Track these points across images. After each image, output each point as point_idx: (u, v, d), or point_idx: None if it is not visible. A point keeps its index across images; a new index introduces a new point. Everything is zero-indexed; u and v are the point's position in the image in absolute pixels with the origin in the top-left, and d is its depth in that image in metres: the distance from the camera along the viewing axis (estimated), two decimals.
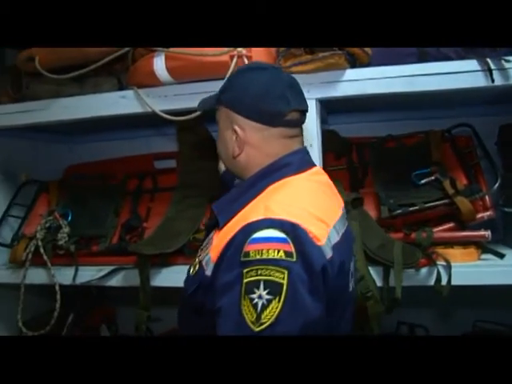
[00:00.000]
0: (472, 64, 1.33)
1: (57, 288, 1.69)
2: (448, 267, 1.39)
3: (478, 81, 1.33)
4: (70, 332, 2.03)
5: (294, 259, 0.86)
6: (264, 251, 0.86)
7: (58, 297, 1.68)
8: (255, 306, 0.83)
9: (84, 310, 2.18)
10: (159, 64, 1.49)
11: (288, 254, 0.86)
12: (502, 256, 1.49)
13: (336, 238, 0.99)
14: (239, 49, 1.39)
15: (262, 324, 0.82)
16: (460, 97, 1.61)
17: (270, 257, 0.86)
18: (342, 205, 1.16)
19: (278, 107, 1.04)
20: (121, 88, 1.66)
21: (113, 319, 2.37)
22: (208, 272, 0.99)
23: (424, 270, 1.43)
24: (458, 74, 1.34)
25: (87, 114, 1.64)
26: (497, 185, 1.49)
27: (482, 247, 1.53)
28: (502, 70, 1.31)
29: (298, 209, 0.94)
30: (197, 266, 1.06)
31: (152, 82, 1.53)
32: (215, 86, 1.15)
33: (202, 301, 0.99)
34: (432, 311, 2.07)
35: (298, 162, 1.07)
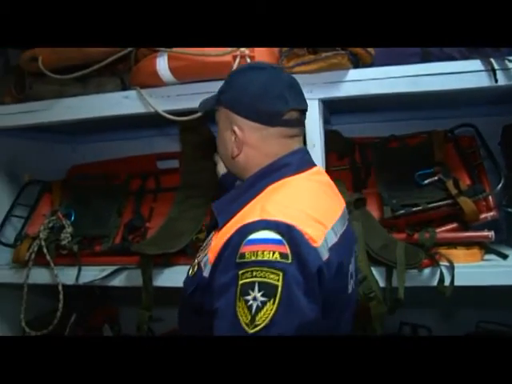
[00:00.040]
0: (475, 64, 1.33)
1: (60, 288, 1.70)
2: (451, 268, 1.38)
3: (482, 81, 1.32)
4: (72, 332, 2.03)
5: (290, 261, 0.86)
6: (259, 253, 0.86)
7: (61, 297, 1.69)
8: (250, 307, 0.83)
9: (87, 310, 2.18)
10: (162, 64, 1.49)
11: (283, 255, 0.86)
12: (505, 256, 1.49)
13: (334, 240, 0.98)
14: (242, 49, 1.39)
15: (256, 326, 0.82)
16: (463, 97, 1.61)
17: (265, 258, 0.85)
18: (343, 205, 1.16)
19: (276, 107, 1.04)
20: (124, 88, 1.66)
21: (115, 319, 2.38)
22: (206, 273, 0.99)
23: (427, 271, 1.42)
24: (462, 74, 1.33)
25: (90, 114, 1.64)
26: (500, 185, 1.48)
27: (485, 248, 1.53)
28: (506, 70, 1.31)
29: (294, 210, 0.94)
30: (195, 267, 1.06)
31: (155, 82, 1.54)
32: (218, 87, 1.15)
33: (201, 302, 0.98)
34: (435, 312, 2.06)
35: (297, 162, 1.07)
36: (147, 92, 1.56)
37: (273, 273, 0.84)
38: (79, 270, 1.71)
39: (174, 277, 1.59)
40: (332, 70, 1.40)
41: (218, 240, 1.00)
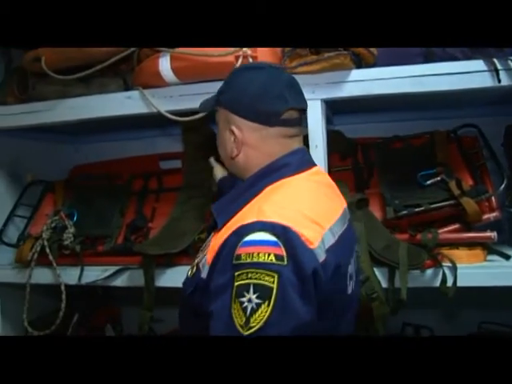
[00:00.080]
0: (478, 64, 1.32)
1: (62, 288, 1.70)
2: (454, 268, 1.38)
3: (485, 81, 1.32)
4: (75, 332, 2.04)
5: (285, 263, 0.85)
6: (255, 254, 0.86)
7: (64, 297, 1.69)
8: (245, 309, 0.83)
9: (89, 310, 2.18)
10: (164, 65, 1.49)
11: (279, 257, 0.85)
12: (508, 257, 1.48)
13: (331, 241, 0.97)
14: (244, 49, 1.39)
15: (250, 328, 0.81)
16: (466, 97, 1.61)
17: (261, 260, 0.85)
18: (344, 205, 1.15)
19: (275, 107, 1.04)
20: (126, 88, 1.67)
21: (118, 319, 2.38)
22: (203, 274, 0.99)
23: (429, 272, 1.42)
24: (465, 74, 1.33)
25: (93, 115, 1.65)
26: (503, 186, 1.48)
27: (488, 248, 1.53)
28: (509, 70, 1.30)
29: (291, 211, 0.93)
30: (194, 268, 1.06)
31: (157, 82, 1.54)
32: None
33: (199, 303, 0.98)
34: (437, 312, 2.06)
35: (296, 162, 1.07)
36: (150, 92, 1.56)
37: (268, 275, 0.84)
38: (82, 270, 1.71)
39: (176, 277, 1.58)
40: (334, 71, 1.40)
41: (216, 241, 0.99)
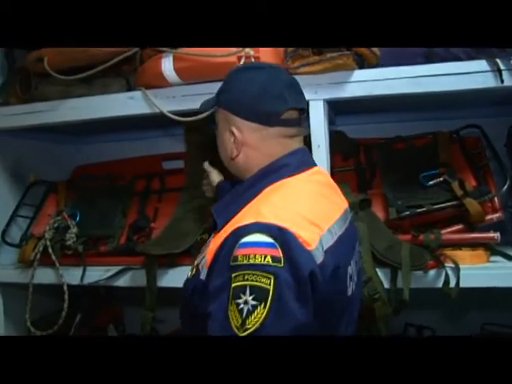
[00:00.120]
0: (481, 64, 1.32)
1: (65, 288, 1.70)
2: (456, 269, 1.38)
3: (488, 81, 1.32)
4: (77, 332, 2.04)
5: (282, 264, 0.85)
6: (251, 256, 0.85)
7: (66, 297, 1.69)
8: (241, 311, 0.83)
9: (92, 310, 2.19)
10: (167, 65, 1.49)
11: (275, 259, 0.85)
12: (511, 258, 1.48)
13: (330, 242, 0.96)
14: (247, 49, 1.39)
15: (246, 330, 0.81)
16: (469, 98, 1.60)
17: (257, 262, 0.85)
18: (345, 205, 1.15)
19: (275, 107, 1.03)
20: (129, 89, 1.67)
21: (120, 319, 2.38)
22: (202, 276, 0.99)
23: (432, 272, 1.42)
24: (467, 74, 1.33)
25: (95, 115, 1.65)
26: (506, 186, 1.48)
27: (491, 249, 1.52)
28: None
29: (289, 212, 0.93)
30: (194, 270, 1.05)
31: (160, 82, 1.54)
32: None
33: (198, 304, 0.98)
34: (440, 313, 2.06)
35: (296, 163, 1.06)
36: (152, 93, 1.56)
37: (264, 276, 0.84)
38: (84, 270, 1.71)
39: (178, 277, 1.58)
40: (337, 71, 1.40)
41: (215, 242, 0.99)
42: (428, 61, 1.38)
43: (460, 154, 1.67)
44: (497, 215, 1.52)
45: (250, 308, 0.82)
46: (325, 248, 0.93)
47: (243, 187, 1.07)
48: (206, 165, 1.42)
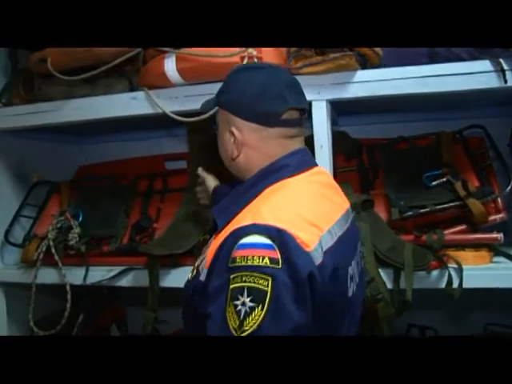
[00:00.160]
0: (485, 64, 1.32)
1: (68, 288, 1.71)
2: (459, 270, 1.38)
3: (491, 81, 1.31)
4: (80, 332, 2.04)
5: (279, 266, 0.84)
6: (249, 258, 0.85)
7: (69, 297, 1.70)
8: (238, 312, 0.83)
9: (94, 310, 2.19)
10: (170, 65, 1.50)
11: (273, 260, 0.85)
12: None
13: (330, 243, 0.95)
14: (250, 50, 1.39)
15: (244, 331, 0.81)
16: (472, 98, 1.60)
17: (255, 263, 0.84)
18: (346, 206, 1.14)
19: (275, 107, 1.03)
20: (132, 89, 1.67)
21: (123, 319, 2.39)
22: (202, 277, 0.99)
23: (435, 273, 1.41)
24: (471, 74, 1.32)
25: (98, 115, 1.65)
26: (509, 187, 1.47)
27: (494, 250, 1.52)
28: None
29: (288, 213, 0.92)
30: (194, 271, 1.05)
31: (163, 83, 1.54)
32: None
33: (199, 305, 0.98)
34: (443, 314, 2.05)
35: (296, 163, 1.06)
36: (155, 93, 1.57)
37: (262, 278, 0.83)
38: (87, 270, 1.72)
39: (181, 277, 1.57)
40: (340, 71, 1.40)
41: (215, 243, 0.99)
42: (430, 61, 1.38)
43: (463, 154, 1.67)
44: (500, 216, 1.52)
45: (248, 310, 0.82)
46: (324, 249, 0.92)
47: (244, 188, 1.07)
48: (201, 170, 1.41)
